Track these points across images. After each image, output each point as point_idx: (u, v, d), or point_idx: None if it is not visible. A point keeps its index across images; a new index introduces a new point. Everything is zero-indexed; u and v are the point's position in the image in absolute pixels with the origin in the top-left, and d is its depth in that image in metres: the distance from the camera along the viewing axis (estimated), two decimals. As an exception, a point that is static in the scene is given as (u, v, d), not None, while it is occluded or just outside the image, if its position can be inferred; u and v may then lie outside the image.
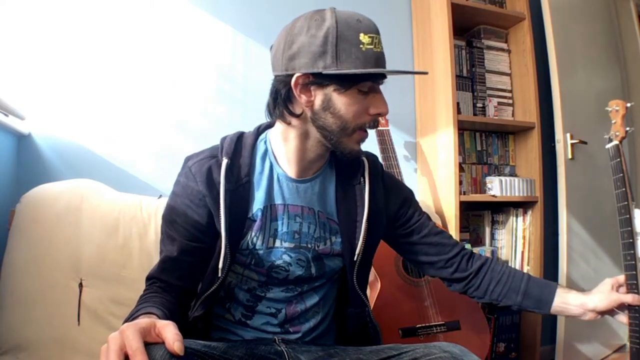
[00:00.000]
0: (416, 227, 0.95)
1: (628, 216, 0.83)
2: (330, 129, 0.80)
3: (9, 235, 1.17)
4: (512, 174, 2.02)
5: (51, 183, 1.26)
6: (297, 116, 0.81)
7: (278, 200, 0.86)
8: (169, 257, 0.83)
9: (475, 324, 1.41)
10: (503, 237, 1.97)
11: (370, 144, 1.81)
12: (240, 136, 0.88)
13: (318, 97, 0.78)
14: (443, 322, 1.38)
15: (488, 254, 1.84)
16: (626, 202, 0.84)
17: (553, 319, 1.91)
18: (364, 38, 0.75)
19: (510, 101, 2.04)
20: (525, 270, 1.90)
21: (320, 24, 0.75)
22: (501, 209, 1.97)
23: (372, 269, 1.36)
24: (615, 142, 0.89)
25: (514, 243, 1.95)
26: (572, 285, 1.89)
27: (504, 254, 1.97)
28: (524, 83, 1.99)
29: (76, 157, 1.45)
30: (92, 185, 1.29)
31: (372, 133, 1.63)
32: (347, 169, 0.92)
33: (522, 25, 1.99)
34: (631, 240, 0.83)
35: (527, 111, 1.97)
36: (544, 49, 1.95)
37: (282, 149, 0.86)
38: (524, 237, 1.94)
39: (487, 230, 1.96)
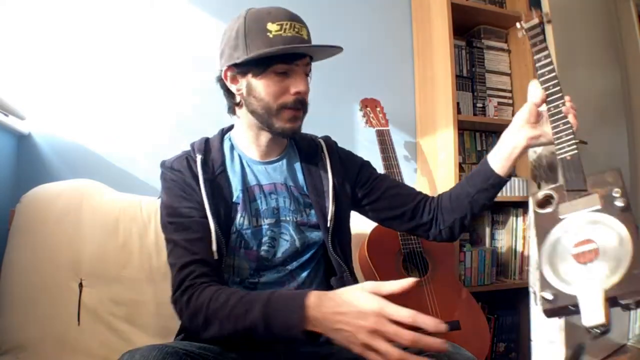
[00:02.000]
0: (375, 183, 1.03)
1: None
2: (257, 112, 0.89)
3: (9, 235, 1.17)
4: (512, 174, 2.02)
5: (51, 183, 1.26)
6: (238, 104, 0.93)
7: (252, 182, 0.94)
8: (194, 238, 0.83)
9: (475, 324, 1.41)
10: (503, 237, 1.97)
11: (371, 144, 1.82)
12: (207, 139, 0.98)
13: (243, 84, 0.89)
14: (443, 322, 1.37)
15: (488, 254, 1.85)
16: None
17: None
18: (271, 27, 0.84)
19: (510, 101, 2.04)
20: (525, 271, 1.92)
21: (235, 23, 0.87)
22: (501, 208, 1.97)
23: (372, 268, 1.36)
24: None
25: (514, 243, 1.95)
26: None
27: (503, 254, 1.97)
28: (524, 83, 1.99)
29: (76, 157, 1.45)
30: (92, 185, 1.29)
31: (372, 133, 1.64)
32: (307, 149, 1.02)
33: (522, 25, 1.99)
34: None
35: (527, 111, 1.97)
36: (544, 49, 1.95)
37: (242, 139, 0.97)
38: (523, 237, 1.94)
39: (487, 230, 1.96)
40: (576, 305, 0.54)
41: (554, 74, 0.83)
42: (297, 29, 0.85)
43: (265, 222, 0.91)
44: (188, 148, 0.97)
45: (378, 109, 1.67)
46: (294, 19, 0.86)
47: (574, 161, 0.70)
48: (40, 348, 1.09)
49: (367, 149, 1.83)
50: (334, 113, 1.81)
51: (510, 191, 1.87)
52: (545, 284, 0.59)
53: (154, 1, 1.58)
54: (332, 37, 1.83)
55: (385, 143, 1.59)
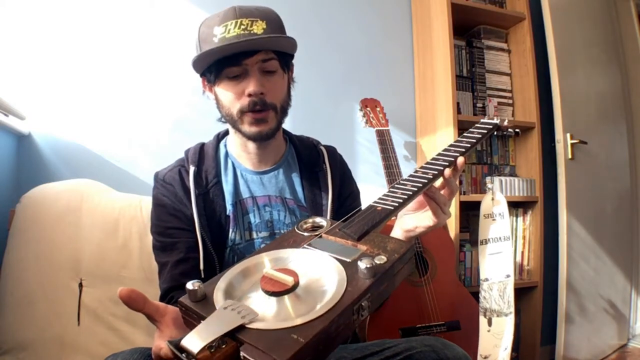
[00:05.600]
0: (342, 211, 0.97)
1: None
2: (226, 119, 0.87)
3: (9, 235, 1.17)
4: (512, 174, 2.02)
5: (51, 183, 1.26)
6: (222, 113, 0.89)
7: (245, 195, 0.90)
8: (178, 260, 0.82)
9: (475, 324, 1.41)
10: (503, 237, 1.97)
11: (371, 144, 1.82)
12: (202, 146, 0.95)
13: (214, 94, 0.87)
14: (443, 322, 1.38)
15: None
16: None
17: (553, 318, 1.91)
18: (217, 30, 0.80)
19: (510, 101, 2.04)
20: (525, 270, 1.92)
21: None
22: (501, 209, 1.97)
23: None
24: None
25: (514, 243, 1.95)
26: (571, 285, 1.89)
27: (504, 254, 1.97)
28: (524, 83, 1.99)
29: (76, 157, 1.45)
30: (92, 185, 1.29)
31: (372, 133, 1.64)
32: (309, 157, 0.97)
33: (522, 25, 1.99)
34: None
35: (527, 111, 1.97)
36: (544, 49, 1.95)
37: (235, 147, 0.93)
38: (524, 237, 1.94)
39: (487, 230, 1.96)
40: (201, 319, 0.42)
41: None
42: (245, 25, 0.79)
43: (259, 236, 0.88)
44: (183, 155, 0.94)
45: (378, 109, 1.67)
46: (244, 15, 0.80)
47: (376, 215, 0.56)
48: (40, 348, 1.09)
49: (367, 149, 1.83)
50: (334, 113, 1.81)
51: (510, 191, 1.87)
52: (215, 280, 0.48)
53: (154, 1, 1.58)
54: (332, 37, 1.84)
55: (385, 143, 1.59)
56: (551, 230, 1.98)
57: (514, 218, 1.95)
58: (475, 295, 1.52)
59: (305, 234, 0.56)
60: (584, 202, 1.98)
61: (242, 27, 0.79)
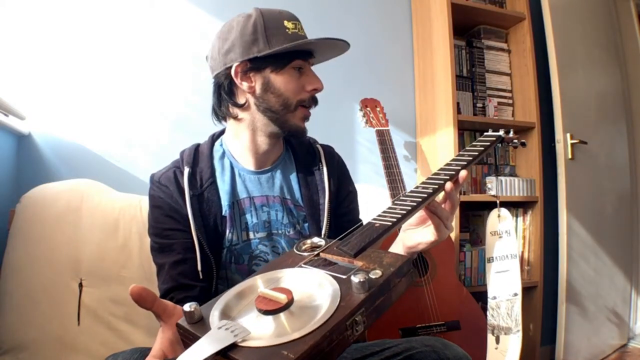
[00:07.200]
0: (341, 211, 0.97)
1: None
2: (274, 108, 0.86)
3: (9, 236, 1.17)
4: (512, 174, 2.02)
5: (51, 183, 1.26)
6: (242, 106, 0.87)
7: (243, 195, 0.90)
8: (176, 261, 0.82)
9: (475, 324, 1.41)
10: (503, 237, 1.97)
11: (371, 144, 1.82)
12: (197, 146, 0.94)
13: (258, 81, 0.85)
14: (443, 322, 1.38)
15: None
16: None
17: (553, 318, 1.91)
18: (288, 24, 0.85)
19: (510, 101, 2.04)
20: (525, 271, 1.92)
21: (248, 19, 0.84)
22: (501, 209, 1.97)
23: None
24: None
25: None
26: (571, 285, 1.89)
27: (504, 254, 1.97)
28: (524, 83, 1.99)
29: (76, 157, 1.45)
30: (92, 185, 1.29)
31: (372, 133, 1.64)
32: (305, 156, 0.97)
33: (522, 25, 2.00)
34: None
35: (527, 111, 1.97)
36: (544, 49, 1.96)
37: (237, 145, 0.92)
38: (524, 237, 1.94)
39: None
40: (197, 340, 0.42)
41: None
42: (304, 29, 0.88)
43: (256, 236, 0.88)
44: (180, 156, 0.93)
45: (378, 109, 1.67)
46: (299, 20, 0.88)
47: (374, 231, 0.56)
48: (40, 348, 1.09)
49: (367, 149, 1.83)
50: (334, 113, 1.81)
51: (510, 191, 1.87)
52: (212, 302, 0.48)
53: (154, 1, 1.58)
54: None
55: (385, 143, 1.59)
56: (551, 230, 1.98)
57: (514, 218, 1.95)
58: (475, 295, 1.53)
59: (304, 254, 0.56)
60: (584, 202, 1.98)
61: (303, 30, 0.88)
